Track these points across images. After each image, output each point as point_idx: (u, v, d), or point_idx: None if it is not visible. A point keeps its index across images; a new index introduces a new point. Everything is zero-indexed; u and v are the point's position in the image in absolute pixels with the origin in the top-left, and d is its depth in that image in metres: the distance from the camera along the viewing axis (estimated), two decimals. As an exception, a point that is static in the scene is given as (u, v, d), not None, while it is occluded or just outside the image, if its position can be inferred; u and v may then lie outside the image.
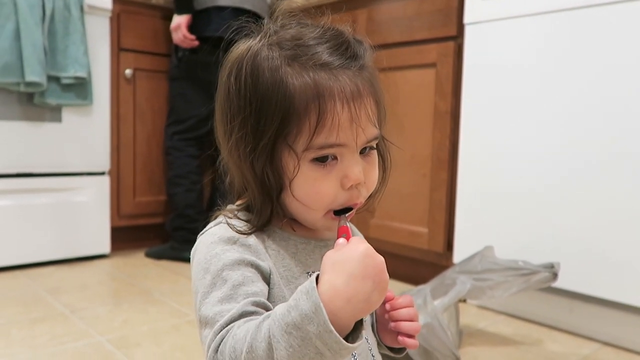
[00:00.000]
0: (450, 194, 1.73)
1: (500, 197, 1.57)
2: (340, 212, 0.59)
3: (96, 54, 2.07)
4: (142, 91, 2.28)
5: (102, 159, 2.14)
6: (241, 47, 0.59)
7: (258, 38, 0.59)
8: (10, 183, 1.94)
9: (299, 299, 0.46)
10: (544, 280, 1.28)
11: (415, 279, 1.82)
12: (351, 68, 0.57)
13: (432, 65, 1.76)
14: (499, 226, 1.57)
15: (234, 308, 0.51)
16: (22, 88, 1.87)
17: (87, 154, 2.10)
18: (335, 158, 0.56)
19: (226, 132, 0.59)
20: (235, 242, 0.57)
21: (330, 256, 0.49)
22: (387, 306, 0.64)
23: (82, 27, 1.97)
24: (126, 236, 2.31)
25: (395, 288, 1.79)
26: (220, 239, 0.58)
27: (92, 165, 2.11)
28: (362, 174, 0.57)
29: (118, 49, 2.19)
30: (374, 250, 0.49)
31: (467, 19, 1.63)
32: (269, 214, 0.60)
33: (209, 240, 0.58)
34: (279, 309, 0.48)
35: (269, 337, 0.46)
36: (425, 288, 1.28)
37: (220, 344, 0.49)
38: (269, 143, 0.56)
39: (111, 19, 2.13)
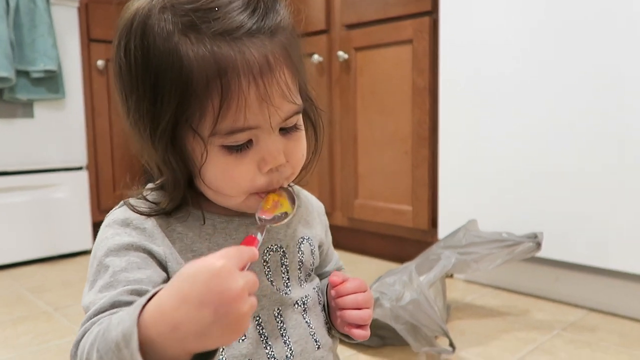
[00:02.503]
0: (432, 170, 1.73)
1: (482, 171, 1.57)
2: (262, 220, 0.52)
3: (65, 46, 2.01)
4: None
5: (78, 153, 2.09)
6: (130, 8, 0.50)
7: None
8: (-15, 182, 1.90)
9: (130, 312, 0.39)
10: (528, 250, 1.29)
11: (401, 257, 1.82)
12: (260, 35, 0.48)
13: (409, 41, 1.74)
14: (482, 200, 1.57)
15: (107, 297, 0.45)
16: (-10, 84, 1.82)
17: (63, 149, 2.05)
18: (249, 141, 0.49)
19: (124, 112, 0.53)
20: (128, 225, 0.51)
21: (184, 266, 0.39)
22: (333, 292, 0.58)
23: (49, 18, 1.91)
24: (108, 231, 2.27)
25: (382, 267, 1.79)
26: (114, 222, 0.52)
27: (68, 161, 2.07)
28: (282, 155, 0.51)
29: (88, 40, 2.13)
30: (236, 273, 0.37)
31: (441, -8, 1.61)
32: (181, 199, 0.53)
33: (105, 222, 0.54)
34: (121, 313, 0.40)
35: (97, 347, 0.40)
36: (411, 265, 1.28)
37: (81, 339, 0.43)
38: (168, 127, 0.48)
39: (79, 9, 2.07)
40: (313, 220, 0.65)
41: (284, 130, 0.52)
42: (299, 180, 0.60)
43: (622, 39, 1.27)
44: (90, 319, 0.45)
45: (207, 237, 0.54)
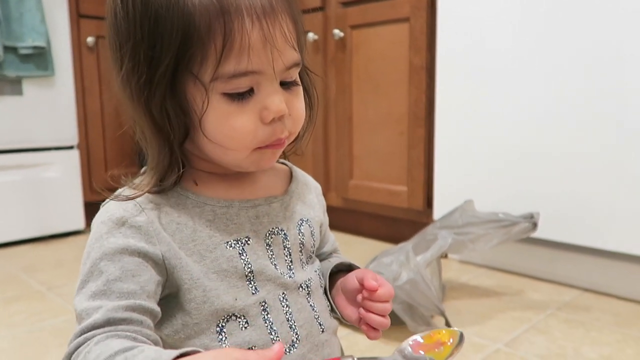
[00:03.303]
0: (428, 150, 1.72)
1: (478, 151, 1.56)
2: None
3: (54, 21, 1.96)
4: (106, 60, 2.17)
5: (69, 132, 2.06)
6: None
7: None
8: (-26, 161, 1.86)
9: None
10: (525, 230, 1.29)
11: (396, 238, 1.82)
12: None
13: (406, 19, 1.71)
14: (478, 180, 1.57)
15: (101, 309, 0.45)
16: (-23, 60, 1.78)
17: (53, 127, 2.01)
18: (251, 90, 0.49)
19: (116, 63, 0.51)
20: (123, 224, 0.50)
21: (217, 350, 0.41)
22: (365, 293, 0.57)
23: (37, -7, 1.87)
24: (100, 211, 2.25)
25: (376, 248, 1.79)
26: (109, 219, 0.50)
27: (59, 140, 2.04)
28: (284, 104, 0.50)
29: (77, 15, 2.08)
30: None
31: (439, -31, 1.58)
32: (166, 168, 0.51)
33: (100, 218, 0.52)
34: None
35: None
36: (407, 245, 1.27)
37: (73, 354, 0.44)
38: (168, 72, 0.47)
39: (68, -17, 2.02)
40: (311, 201, 0.63)
41: (285, 85, 0.52)
42: (293, 151, 0.59)
43: (623, 16, 1.26)
44: (84, 333, 0.45)
45: (207, 224, 0.53)
